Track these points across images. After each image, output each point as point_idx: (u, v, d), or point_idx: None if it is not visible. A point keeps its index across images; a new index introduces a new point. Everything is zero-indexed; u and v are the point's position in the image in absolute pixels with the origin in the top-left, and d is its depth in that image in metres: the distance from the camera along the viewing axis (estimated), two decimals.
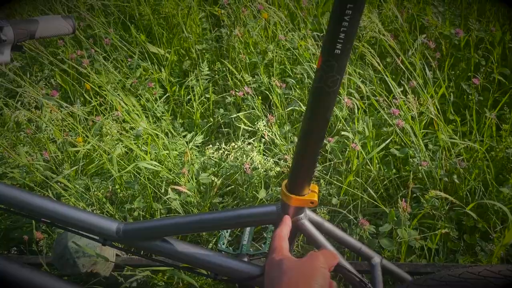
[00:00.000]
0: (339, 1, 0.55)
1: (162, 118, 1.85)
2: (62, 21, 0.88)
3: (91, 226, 0.85)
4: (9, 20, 0.81)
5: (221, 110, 1.92)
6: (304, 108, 1.74)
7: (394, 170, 1.45)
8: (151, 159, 1.36)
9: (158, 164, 1.29)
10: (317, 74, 0.62)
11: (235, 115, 1.42)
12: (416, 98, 1.48)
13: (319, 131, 0.67)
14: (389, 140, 1.39)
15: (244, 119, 1.60)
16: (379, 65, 1.54)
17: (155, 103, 1.94)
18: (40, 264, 1.12)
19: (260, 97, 1.77)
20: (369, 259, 0.89)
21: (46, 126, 1.48)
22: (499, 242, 1.04)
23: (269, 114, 1.50)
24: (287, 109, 1.70)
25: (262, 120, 1.44)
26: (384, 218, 1.27)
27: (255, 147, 1.46)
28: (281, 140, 1.44)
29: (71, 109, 1.59)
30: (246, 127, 1.39)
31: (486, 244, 1.13)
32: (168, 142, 1.46)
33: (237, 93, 1.78)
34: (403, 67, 1.53)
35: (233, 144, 1.51)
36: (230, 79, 2.06)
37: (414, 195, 1.35)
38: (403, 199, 1.14)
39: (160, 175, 1.32)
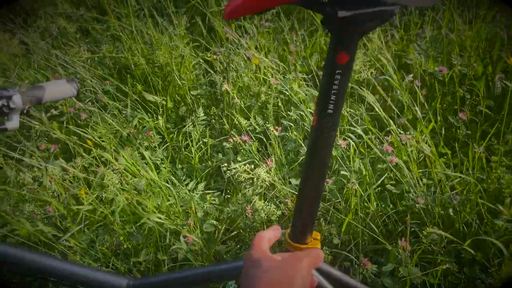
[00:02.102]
0: (329, 69, 0.60)
1: (162, 166, 1.89)
2: (67, 85, 0.94)
3: (101, 284, 0.87)
4: (17, 89, 0.86)
5: (220, 155, 1.96)
6: (300, 148, 1.79)
7: (391, 206, 1.49)
8: (154, 211, 1.39)
9: (162, 217, 1.32)
10: (313, 132, 0.67)
11: (233, 167, 1.46)
12: (407, 134, 1.54)
13: (317, 183, 0.71)
14: (383, 177, 1.43)
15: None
16: (374, 104, 1.60)
17: (154, 151, 1.98)
18: None
19: (256, 142, 1.82)
20: None
21: (49, 184, 1.51)
22: (498, 275, 1.07)
23: (268, 159, 1.54)
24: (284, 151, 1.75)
25: (261, 167, 1.48)
26: (385, 255, 1.29)
27: (255, 191, 1.50)
28: (280, 184, 1.48)
29: (72, 167, 1.63)
30: (245, 175, 1.43)
31: (486, 277, 1.15)
32: (170, 193, 1.50)
33: (234, 139, 1.83)
34: (392, 105, 1.59)
35: (233, 188, 1.55)
36: (226, 122, 2.12)
37: (413, 229, 1.39)
38: (403, 238, 1.17)
39: (164, 226, 1.34)
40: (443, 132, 1.67)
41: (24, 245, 1.51)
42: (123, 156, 1.65)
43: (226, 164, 1.53)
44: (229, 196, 1.70)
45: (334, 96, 0.63)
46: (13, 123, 0.85)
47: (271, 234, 0.65)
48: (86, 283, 0.86)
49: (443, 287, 1.21)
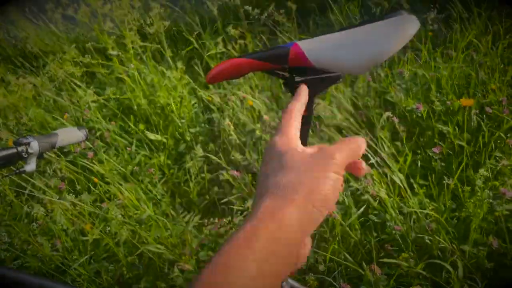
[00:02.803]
0: None
1: (162, 200, 2.03)
2: (77, 131, 1.09)
3: None
4: (34, 136, 1.00)
5: (216, 188, 2.10)
6: None
7: (375, 234, 1.61)
8: (153, 242, 1.52)
9: (161, 247, 1.44)
10: None
11: (227, 199, 1.59)
12: (388, 168, 1.67)
13: None
14: (363, 207, 1.56)
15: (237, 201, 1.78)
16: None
17: (155, 187, 2.12)
18: None
19: (250, 175, 1.96)
20: None
21: (59, 219, 1.65)
22: None
23: None
24: None
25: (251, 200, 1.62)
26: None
27: None
28: None
29: (79, 203, 1.77)
30: (238, 207, 1.56)
31: None
32: (169, 224, 1.62)
33: (229, 174, 1.96)
34: (372, 143, 1.74)
35: (228, 220, 1.67)
36: (222, 157, 2.27)
37: (391, 255, 1.50)
38: (373, 263, 1.28)
39: (163, 256, 1.46)
40: (421, 164, 1.80)
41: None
42: (126, 190, 1.79)
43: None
44: (225, 229, 1.82)
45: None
46: (31, 166, 0.99)
47: (301, 105, 0.54)
48: None
49: None
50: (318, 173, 0.42)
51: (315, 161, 0.43)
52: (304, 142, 0.57)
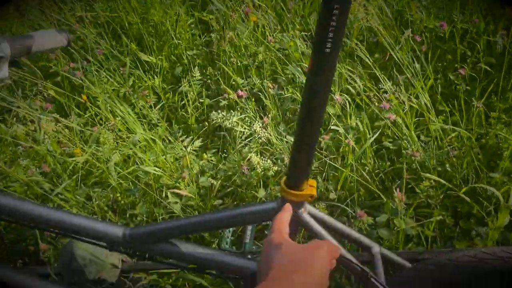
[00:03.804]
0: (327, 2, 0.58)
1: (158, 125, 1.88)
2: (57, 34, 0.90)
3: (97, 233, 0.87)
4: (6, 37, 0.83)
5: (216, 113, 1.94)
6: (296, 106, 1.77)
7: (388, 163, 1.48)
8: (149, 164, 1.39)
9: (158, 169, 1.32)
10: (309, 74, 0.65)
11: (230, 120, 1.45)
12: (406, 91, 1.52)
13: (314, 127, 0.70)
14: (378, 132, 1.42)
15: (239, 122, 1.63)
16: (369, 60, 1.57)
17: (150, 110, 1.96)
18: (48, 274, 1.13)
19: (253, 99, 1.80)
20: (369, 249, 0.92)
21: (44, 139, 1.50)
22: (493, 225, 1.08)
23: (264, 116, 1.53)
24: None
25: (258, 122, 1.47)
26: (381, 209, 1.30)
27: (252, 148, 1.49)
28: (277, 140, 1.47)
29: (67, 123, 1.61)
30: (242, 129, 1.42)
31: (481, 229, 1.16)
32: (166, 147, 1.49)
33: (230, 96, 1.80)
34: (392, 62, 1.57)
35: (229, 146, 1.54)
36: (222, 83, 2.09)
37: (410, 186, 1.39)
38: (398, 188, 1.17)
39: (160, 181, 1.34)
40: (441, 90, 1.64)
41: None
42: (118, 112, 1.63)
43: (222, 115, 1.50)
44: (225, 155, 1.70)
45: (332, 34, 0.60)
46: (2, 72, 0.82)
47: (287, 215, 0.69)
48: (81, 232, 0.86)
49: (439, 240, 1.22)
50: (309, 256, 0.52)
51: (307, 248, 0.54)
52: None
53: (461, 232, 1.24)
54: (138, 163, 1.41)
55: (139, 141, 1.48)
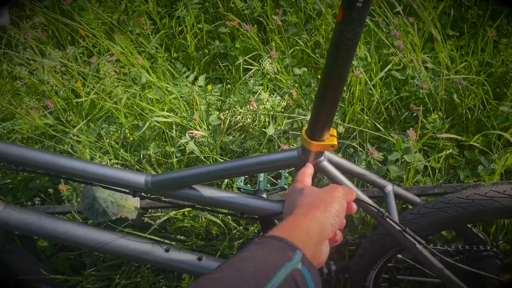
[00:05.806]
0: None
1: (157, 55, 1.82)
2: None
3: (121, 181, 0.89)
4: None
5: (217, 42, 1.88)
6: (301, 33, 1.72)
7: (394, 92, 1.48)
8: (156, 106, 1.37)
9: (169, 115, 1.30)
10: (338, 28, 0.63)
11: (239, 57, 1.39)
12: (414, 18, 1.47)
13: (338, 81, 0.69)
14: (391, 64, 1.40)
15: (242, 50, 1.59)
16: None
17: (148, 39, 1.89)
18: (69, 213, 1.18)
19: (255, 26, 1.74)
20: (382, 188, 0.96)
21: (46, 77, 1.46)
22: (501, 161, 1.11)
23: (270, 51, 1.48)
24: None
25: (266, 58, 1.43)
26: (388, 141, 1.32)
27: (257, 81, 1.47)
28: (285, 74, 1.45)
29: (64, 55, 1.55)
30: (246, 64, 1.38)
31: (485, 160, 1.20)
32: (172, 85, 1.46)
33: (231, 23, 1.73)
34: None
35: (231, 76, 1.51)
36: (221, 6, 2.00)
37: (414, 114, 1.40)
38: (411, 128, 1.18)
39: (170, 120, 1.34)
40: (452, 12, 1.59)
41: (30, 140, 1.52)
42: (116, 43, 1.57)
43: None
44: (229, 86, 1.67)
45: None
46: (4, 19, 0.79)
47: (310, 170, 0.77)
48: (106, 180, 0.88)
49: (443, 170, 1.26)
50: (328, 197, 0.60)
51: (326, 190, 0.62)
52: None
53: (466, 162, 1.27)
54: (148, 110, 1.39)
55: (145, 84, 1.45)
